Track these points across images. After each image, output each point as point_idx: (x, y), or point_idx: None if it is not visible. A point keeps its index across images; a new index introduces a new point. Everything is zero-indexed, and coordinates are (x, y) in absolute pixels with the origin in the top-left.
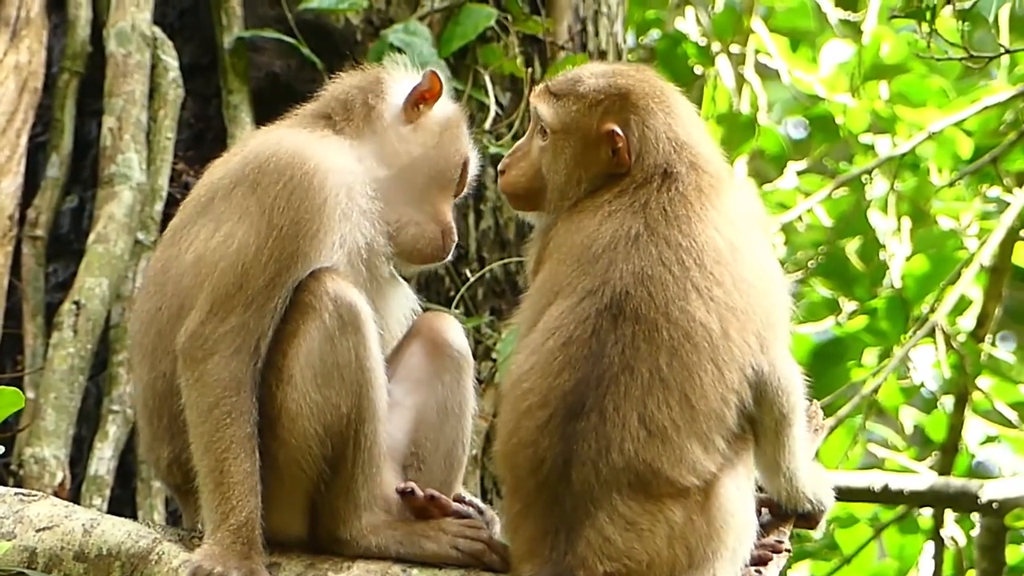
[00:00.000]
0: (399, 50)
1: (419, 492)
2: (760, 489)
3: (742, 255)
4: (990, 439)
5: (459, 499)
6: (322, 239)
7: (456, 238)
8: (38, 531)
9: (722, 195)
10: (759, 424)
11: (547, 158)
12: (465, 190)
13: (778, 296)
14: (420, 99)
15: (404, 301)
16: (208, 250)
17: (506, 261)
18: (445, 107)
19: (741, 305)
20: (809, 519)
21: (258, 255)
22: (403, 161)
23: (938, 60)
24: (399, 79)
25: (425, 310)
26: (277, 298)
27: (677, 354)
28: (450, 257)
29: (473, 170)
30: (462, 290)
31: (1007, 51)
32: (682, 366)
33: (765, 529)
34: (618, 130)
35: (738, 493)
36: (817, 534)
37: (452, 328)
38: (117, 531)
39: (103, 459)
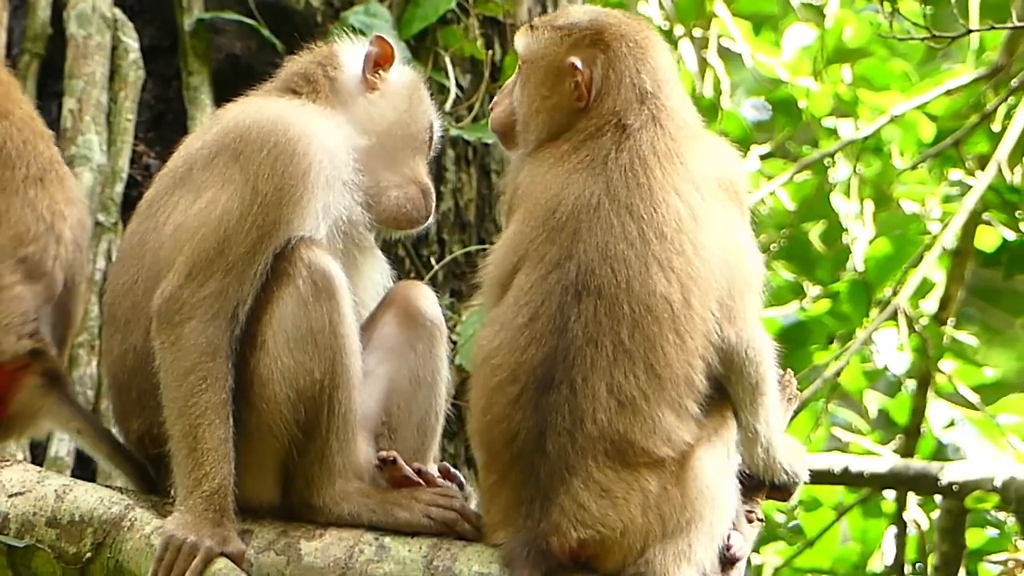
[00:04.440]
0: (360, 32)
1: (401, 462)
2: None
3: (704, 221)
4: (954, 423)
5: (445, 472)
6: (305, 206)
7: (434, 199)
8: (10, 496)
9: (686, 155)
10: (733, 394)
11: (517, 89)
12: (432, 151)
13: (744, 263)
14: (376, 65)
15: (380, 274)
16: (188, 217)
17: (468, 249)
18: (403, 72)
19: (703, 273)
20: (783, 490)
21: (241, 221)
22: (379, 127)
23: (900, 40)
24: (351, 49)
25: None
26: (257, 265)
27: (639, 327)
28: (431, 220)
29: (438, 131)
30: (427, 276)
31: (969, 31)
32: (644, 338)
33: None
34: (579, 63)
35: (715, 466)
36: (792, 503)
37: (425, 297)
38: (89, 497)
39: (63, 440)
